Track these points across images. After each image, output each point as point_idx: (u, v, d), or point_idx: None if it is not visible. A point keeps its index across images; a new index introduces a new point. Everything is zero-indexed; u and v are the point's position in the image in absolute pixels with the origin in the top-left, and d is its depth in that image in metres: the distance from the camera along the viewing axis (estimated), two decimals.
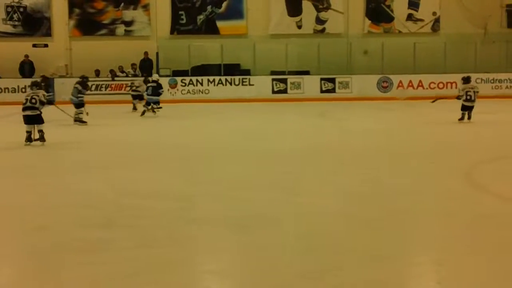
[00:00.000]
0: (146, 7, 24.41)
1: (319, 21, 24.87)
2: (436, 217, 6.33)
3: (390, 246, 5.34)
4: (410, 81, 23.21)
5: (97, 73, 22.60)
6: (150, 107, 16.91)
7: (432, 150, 10.74)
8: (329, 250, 5.22)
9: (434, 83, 23.02)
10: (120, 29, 24.47)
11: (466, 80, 14.80)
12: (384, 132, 13.50)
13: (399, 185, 7.83)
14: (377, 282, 4.53)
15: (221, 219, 6.26)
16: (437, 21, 25.03)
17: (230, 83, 22.90)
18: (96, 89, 21.82)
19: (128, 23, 24.44)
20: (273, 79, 23.06)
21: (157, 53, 23.85)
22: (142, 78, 19.13)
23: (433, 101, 16.43)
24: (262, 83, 22.96)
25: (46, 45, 24.31)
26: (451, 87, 22.13)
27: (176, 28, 24.61)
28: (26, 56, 23.41)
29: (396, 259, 5.04)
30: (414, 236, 5.74)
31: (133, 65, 23.43)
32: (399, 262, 5.01)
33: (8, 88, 22.17)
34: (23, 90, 20.16)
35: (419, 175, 8.52)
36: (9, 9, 24.14)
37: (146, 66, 23.53)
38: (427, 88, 22.95)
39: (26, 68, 23.06)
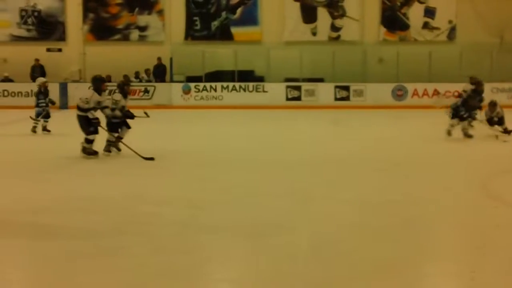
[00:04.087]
0: (160, 12, 24.43)
1: (334, 28, 24.76)
2: (450, 227, 6.20)
3: (404, 257, 5.23)
4: (425, 90, 23.01)
5: (108, 78, 22.49)
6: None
7: (445, 160, 10.61)
8: (341, 260, 5.11)
9: (450, 92, 22.78)
10: (134, 34, 24.49)
11: (494, 106, 13.64)
12: (397, 140, 13.34)
13: (412, 195, 7.69)
14: None
15: (233, 226, 6.15)
16: (453, 29, 24.83)
17: (244, 90, 22.82)
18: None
19: (142, 28, 24.46)
20: (287, 86, 22.96)
21: (171, 59, 23.84)
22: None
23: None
24: (276, 90, 22.87)
25: (60, 50, 24.39)
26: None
27: (190, 34, 24.59)
28: (37, 60, 23.46)
29: (409, 270, 4.94)
30: (428, 246, 5.60)
31: (146, 70, 23.44)
32: (412, 273, 4.90)
33: (21, 92, 22.22)
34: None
35: (432, 184, 8.38)
36: (24, 13, 24.25)
37: (159, 72, 23.54)
38: (443, 97, 22.74)
39: (37, 72, 23.01)
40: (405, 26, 24.91)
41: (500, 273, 4.83)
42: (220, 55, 24.10)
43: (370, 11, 24.76)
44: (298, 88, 22.90)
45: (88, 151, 10.36)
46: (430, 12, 24.92)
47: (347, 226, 6.19)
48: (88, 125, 10.28)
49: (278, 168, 9.66)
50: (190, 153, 11.36)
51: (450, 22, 24.88)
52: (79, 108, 10.42)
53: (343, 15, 24.66)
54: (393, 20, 24.93)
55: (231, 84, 22.91)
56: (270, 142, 13.12)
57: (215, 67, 23.77)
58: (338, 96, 22.88)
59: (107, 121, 10.73)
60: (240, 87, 22.85)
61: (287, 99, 22.81)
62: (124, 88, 11.17)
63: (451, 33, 24.86)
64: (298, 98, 22.78)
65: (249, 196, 7.58)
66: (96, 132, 10.36)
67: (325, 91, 22.88)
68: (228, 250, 5.42)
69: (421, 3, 24.82)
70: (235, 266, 5.11)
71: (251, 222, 6.28)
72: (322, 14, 24.65)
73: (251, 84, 22.89)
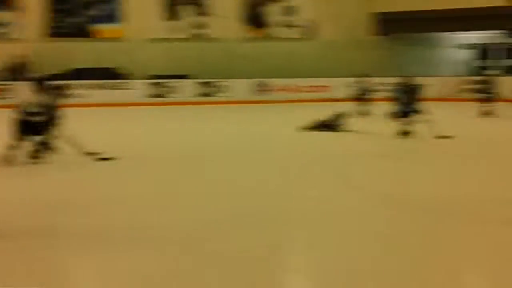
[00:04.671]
0: (17, 9, 23.46)
1: (198, 25, 24.94)
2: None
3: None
4: (287, 85, 23.72)
5: None
6: None
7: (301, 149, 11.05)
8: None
9: (310, 87, 23.70)
10: None
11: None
12: (264, 134, 13.71)
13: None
14: None
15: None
16: (312, 27, 25.77)
17: (106, 88, 22.39)
18: None
19: None
20: (151, 83, 22.82)
21: (28, 57, 22.94)
22: None
23: None
24: (139, 87, 22.65)
25: None
26: (325, 91, 23.02)
27: (51, 31, 23.83)
28: None
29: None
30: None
31: (5, 68, 22.44)
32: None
33: None
34: None
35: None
36: None
37: (17, 70, 22.57)
38: (303, 92, 23.59)
39: None
40: (266, 24, 25.57)
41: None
42: (81, 52, 23.51)
43: (233, 9, 25.18)
44: (161, 85, 22.81)
45: None
46: (290, 11, 25.73)
47: None
48: None
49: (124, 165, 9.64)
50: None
51: (309, 20, 25.81)
52: None
53: (207, 13, 24.90)
54: (255, 18, 25.51)
55: (92, 82, 22.38)
56: (131, 139, 13.03)
57: (76, 65, 23.12)
58: (202, 92, 23.06)
59: None
60: (102, 84, 22.40)
61: (151, 96, 22.65)
62: None
63: (310, 31, 25.80)
64: (161, 95, 22.70)
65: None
66: None
67: (189, 88, 22.99)
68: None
69: (282, 2, 25.60)
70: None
71: None
72: (187, 12, 24.78)
73: (113, 82, 22.53)
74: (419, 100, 12.20)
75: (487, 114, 16.35)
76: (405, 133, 12.14)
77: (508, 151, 10.79)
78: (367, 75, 17.45)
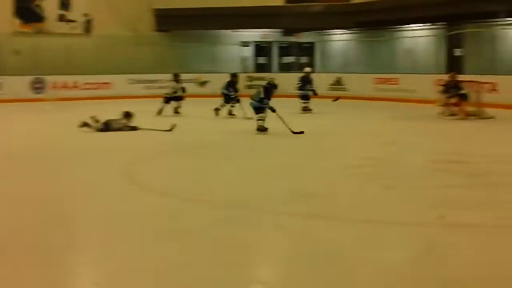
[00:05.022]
0: None
1: None
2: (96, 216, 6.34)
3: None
4: (64, 82, 22.97)
5: None
6: None
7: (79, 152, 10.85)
8: None
9: (89, 84, 23.19)
10: None
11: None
12: (38, 133, 13.14)
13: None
14: None
15: None
16: (89, 22, 25.20)
17: None
18: None
19: None
20: None
21: None
22: None
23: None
24: None
25: None
26: (105, 88, 22.69)
27: None
28: None
29: None
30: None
31: None
32: None
33: None
34: None
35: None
36: None
37: None
38: (82, 89, 23.01)
39: None
40: (40, 18, 24.47)
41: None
42: None
43: (2, 1, 23.69)
44: None
45: None
46: (65, 5, 24.90)
47: None
48: None
49: None
50: None
51: (86, 15, 25.20)
52: None
53: None
54: (27, 12, 24.27)
55: None
56: None
57: None
58: None
59: None
60: None
61: None
62: None
63: (88, 26, 25.22)
64: None
65: None
66: None
67: None
68: None
69: None
70: None
71: None
72: None
73: None
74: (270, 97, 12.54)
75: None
76: (263, 130, 12.48)
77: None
78: (177, 74, 17.17)
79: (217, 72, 23.44)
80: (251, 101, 12.75)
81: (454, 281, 4.30)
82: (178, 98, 16.63)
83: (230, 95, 15.93)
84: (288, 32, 26.80)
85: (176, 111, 16.49)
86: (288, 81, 18.31)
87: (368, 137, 12.34)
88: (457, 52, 22.01)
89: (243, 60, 27.52)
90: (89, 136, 12.29)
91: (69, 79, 23.02)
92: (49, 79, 22.64)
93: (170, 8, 24.73)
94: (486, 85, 16.30)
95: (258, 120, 12.54)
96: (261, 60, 27.79)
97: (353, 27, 24.91)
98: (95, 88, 22.99)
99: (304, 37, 27.33)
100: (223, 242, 5.24)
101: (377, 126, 14.58)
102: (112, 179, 8.05)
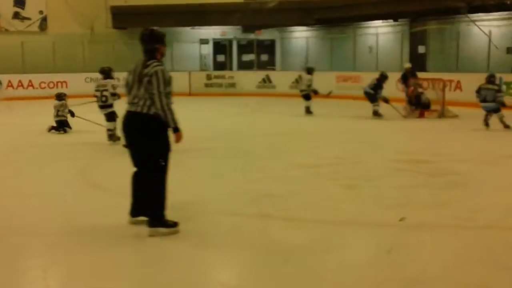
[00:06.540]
0: None
1: None
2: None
3: None
4: (20, 81, 22.38)
5: None
6: None
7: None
8: None
9: (45, 83, 22.62)
10: None
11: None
12: None
13: None
14: None
15: None
16: (44, 20, 24.62)
17: None
18: None
19: None
20: None
21: None
22: None
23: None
24: None
25: None
26: (62, 87, 22.05)
27: None
28: None
29: None
30: None
31: None
32: None
33: None
34: None
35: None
36: None
37: None
38: (37, 88, 22.43)
39: None
40: None
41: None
42: None
43: None
44: None
45: None
46: (20, 2, 24.30)
47: None
48: None
49: None
50: None
51: (41, 12, 24.65)
52: None
53: None
54: None
55: None
56: None
57: None
58: None
59: None
60: None
61: None
62: None
63: (43, 24, 24.65)
64: None
65: None
66: None
67: None
68: None
69: None
70: None
71: None
72: None
73: None
74: None
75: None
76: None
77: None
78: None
79: (176, 70, 23.04)
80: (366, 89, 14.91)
81: (415, 282, 4.18)
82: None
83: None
84: (247, 29, 26.50)
85: None
86: (248, 80, 18.09)
87: (329, 136, 12.16)
88: (420, 49, 22.00)
89: (202, 58, 27.16)
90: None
91: (25, 78, 22.42)
92: (4, 78, 22.03)
93: (126, 5, 24.27)
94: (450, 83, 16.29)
95: (374, 106, 14.85)
96: (221, 58, 27.43)
97: (313, 24, 24.67)
98: (51, 87, 22.38)
99: (265, 35, 27.08)
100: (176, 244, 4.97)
101: (339, 124, 14.43)
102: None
